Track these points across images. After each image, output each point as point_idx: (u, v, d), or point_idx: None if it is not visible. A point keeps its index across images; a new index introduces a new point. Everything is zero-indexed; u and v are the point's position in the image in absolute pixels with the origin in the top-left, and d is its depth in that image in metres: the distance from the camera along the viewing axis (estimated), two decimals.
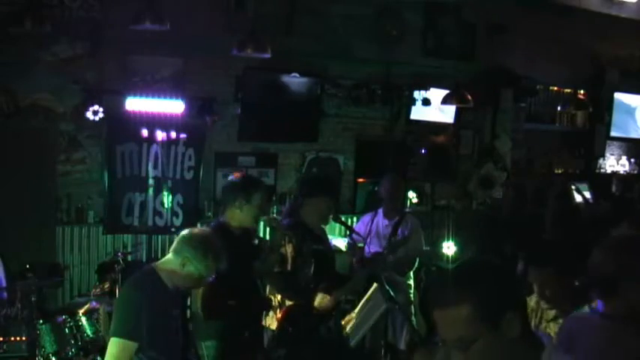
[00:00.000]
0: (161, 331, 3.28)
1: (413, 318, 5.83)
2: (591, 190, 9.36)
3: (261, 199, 4.15)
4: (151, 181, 6.80)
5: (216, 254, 3.36)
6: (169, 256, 3.39)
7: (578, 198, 7.84)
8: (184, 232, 3.48)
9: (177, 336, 3.41)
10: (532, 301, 3.16)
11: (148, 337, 3.19)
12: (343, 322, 4.51)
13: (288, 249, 4.41)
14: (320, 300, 4.42)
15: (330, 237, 5.58)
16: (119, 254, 5.75)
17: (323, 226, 4.80)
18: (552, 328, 3.08)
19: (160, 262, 3.44)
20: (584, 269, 3.08)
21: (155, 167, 6.78)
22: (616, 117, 10.02)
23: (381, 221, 5.87)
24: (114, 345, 3.20)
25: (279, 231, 4.41)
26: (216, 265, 3.38)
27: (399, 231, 5.76)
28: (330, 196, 4.68)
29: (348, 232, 5.92)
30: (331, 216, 4.82)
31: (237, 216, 4.12)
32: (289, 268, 4.44)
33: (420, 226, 6.04)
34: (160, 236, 6.95)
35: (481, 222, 7.12)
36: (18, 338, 4.77)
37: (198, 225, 7.01)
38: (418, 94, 8.17)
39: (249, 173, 7.39)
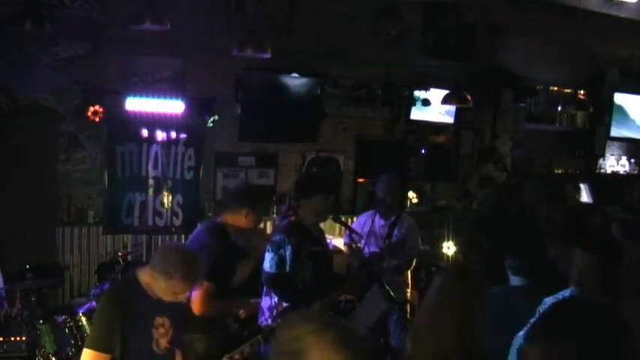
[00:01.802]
0: (138, 341, 3.27)
1: (408, 316, 5.84)
2: (591, 190, 9.38)
3: (265, 208, 4.27)
4: (151, 181, 6.81)
5: (187, 273, 3.25)
6: (148, 267, 3.37)
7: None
8: (166, 245, 3.49)
9: (156, 343, 3.35)
10: None
11: (123, 347, 3.20)
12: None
13: (287, 251, 4.42)
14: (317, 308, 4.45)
15: (330, 237, 5.59)
16: (119, 254, 5.77)
17: (322, 227, 4.81)
18: None
19: (141, 271, 3.40)
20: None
21: (155, 167, 6.80)
22: (616, 117, 10.02)
23: (377, 221, 5.86)
24: (86, 356, 3.23)
25: (263, 241, 4.47)
26: (185, 283, 3.27)
27: (395, 231, 5.76)
28: (325, 195, 4.66)
29: (347, 232, 5.92)
30: (331, 216, 4.83)
31: (238, 221, 4.28)
32: (287, 269, 4.44)
33: (416, 226, 6.04)
34: (159, 236, 6.95)
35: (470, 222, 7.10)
36: (18, 338, 4.77)
37: (198, 225, 7.05)
38: (418, 94, 8.17)
39: (250, 178, 7.45)
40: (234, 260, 4.31)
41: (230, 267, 4.23)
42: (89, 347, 3.24)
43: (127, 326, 3.21)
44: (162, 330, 3.36)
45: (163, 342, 3.36)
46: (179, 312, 3.48)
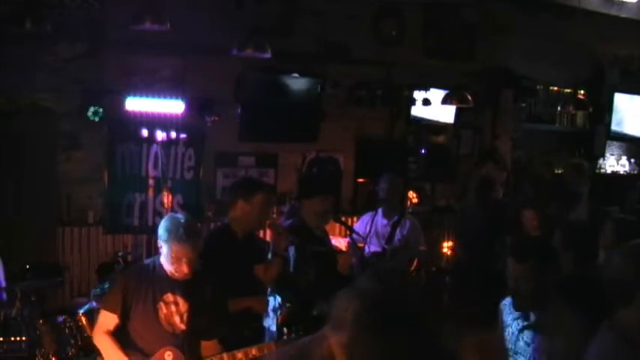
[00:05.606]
0: (142, 310, 3.44)
1: None
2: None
3: (263, 199, 4.13)
4: (150, 181, 6.80)
5: (183, 230, 3.34)
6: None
7: None
8: (165, 217, 3.69)
9: (162, 320, 3.46)
10: None
11: (127, 311, 3.44)
12: None
13: (290, 251, 4.42)
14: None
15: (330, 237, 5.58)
16: (119, 254, 5.77)
17: (324, 228, 4.81)
18: None
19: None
20: (559, 271, 3.11)
21: (155, 167, 6.79)
22: (616, 117, 10.01)
23: (380, 221, 5.87)
24: (100, 315, 3.59)
25: (284, 237, 4.35)
26: (184, 242, 3.33)
27: (398, 231, 5.76)
28: (328, 196, 4.68)
29: (348, 232, 5.92)
30: (332, 216, 4.84)
31: (239, 217, 4.12)
32: (291, 270, 4.44)
33: (419, 226, 6.04)
34: None
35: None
36: (18, 338, 4.76)
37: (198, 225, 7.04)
38: (418, 94, 8.16)
39: (250, 174, 7.43)
40: (247, 260, 4.13)
41: (240, 269, 4.06)
42: (101, 307, 3.62)
43: (133, 294, 3.43)
44: (173, 308, 3.44)
45: (176, 320, 3.43)
46: (199, 296, 3.50)
